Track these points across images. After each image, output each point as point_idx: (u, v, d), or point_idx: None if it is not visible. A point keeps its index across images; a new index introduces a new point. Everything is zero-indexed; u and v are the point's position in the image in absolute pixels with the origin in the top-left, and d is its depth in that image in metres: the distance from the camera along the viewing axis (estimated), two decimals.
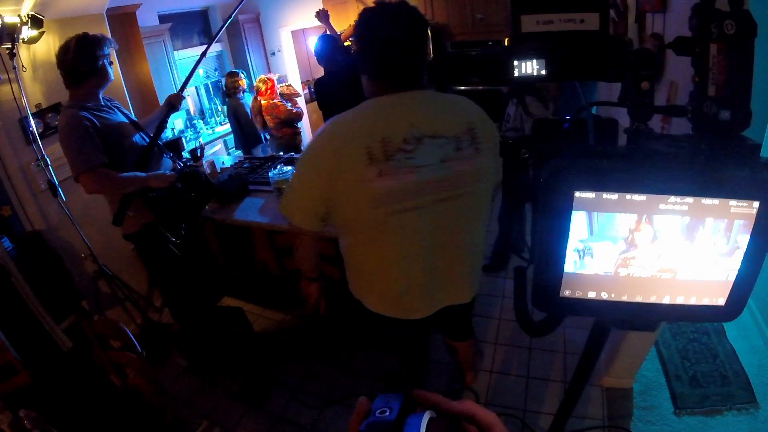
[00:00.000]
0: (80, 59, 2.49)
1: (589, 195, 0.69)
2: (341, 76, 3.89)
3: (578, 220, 0.74)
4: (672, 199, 0.70)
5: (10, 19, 2.92)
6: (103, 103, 2.64)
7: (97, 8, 3.73)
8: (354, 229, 1.72)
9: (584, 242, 0.75)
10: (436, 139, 1.55)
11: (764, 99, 2.81)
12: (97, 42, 2.53)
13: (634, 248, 0.75)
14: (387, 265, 1.76)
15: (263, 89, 4.85)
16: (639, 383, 2.82)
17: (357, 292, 1.97)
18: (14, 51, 2.98)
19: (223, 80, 6.50)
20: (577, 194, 0.69)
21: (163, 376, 3.29)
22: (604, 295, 0.80)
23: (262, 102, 4.86)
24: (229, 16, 3.37)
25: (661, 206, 0.70)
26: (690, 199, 0.70)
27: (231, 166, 3.86)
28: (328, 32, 4.33)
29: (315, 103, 4.53)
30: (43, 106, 3.36)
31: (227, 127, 6.17)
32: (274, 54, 6.98)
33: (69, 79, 2.54)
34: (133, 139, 2.73)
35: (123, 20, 4.54)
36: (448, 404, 0.50)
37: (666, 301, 0.80)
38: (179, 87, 3.13)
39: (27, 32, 3.05)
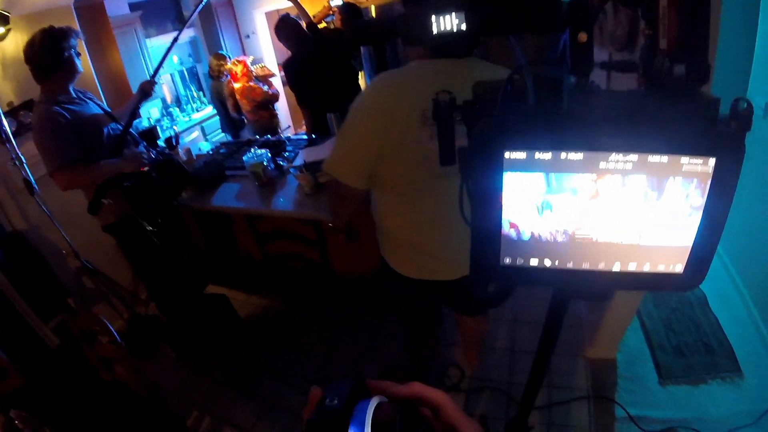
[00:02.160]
0: (46, 53, 2.48)
1: (521, 155, 0.67)
2: (305, 56, 3.90)
3: (536, 179, 0.71)
4: (613, 156, 0.66)
5: None
6: (75, 96, 2.64)
7: (64, 1, 3.67)
8: (397, 187, 1.74)
9: (543, 195, 0.72)
10: None
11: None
12: (63, 34, 2.51)
13: (591, 207, 0.72)
14: (421, 225, 1.79)
15: (236, 72, 4.80)
16: (623, 354, 2.83)
17: (387, 253, 2.01)
18: None
19: (196, 66, 6.44)
20: (507, 155, 0.67)
21: (152, 369, 3.31)
22: (548, 263, 0.77)
23: (236, 86, 4.82)
24: (200, 2, 3.34)
25: (602, 165, 0.66)
26: (634, 156, 0.66)
27: (207, 152, 3.82)
28: (293, 14, 4.26)
29: None
30: (15, 104, 3.31)
31: (204, 114, 6.10)
32: (248, 37, 6.88)
33: (38, 74, 2.53)
34: (109, 129, 2.71)
35: (91, 11, 4.45)
36: (396, 389, 0.51)
37: (617, 268, 0.76)
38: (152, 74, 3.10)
39: None
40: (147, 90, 2.99)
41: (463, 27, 0.67)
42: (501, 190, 0.69)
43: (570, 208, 0.72)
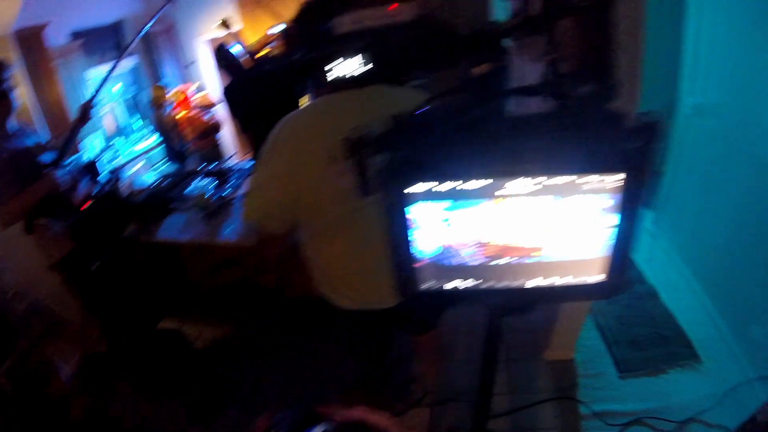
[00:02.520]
0: None
1: (426, 186, 0.67)
2: (242, 83, 3.90)
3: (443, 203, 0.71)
4: (520, 180, 0.67)
5: None
6: (12, 130, 2.54)
7: (0, 30, 3.58)
8: (316, 224, 1.72)
9: (446, 211, 0.72)
10: None
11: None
12: None
13: (496, 223, 0.72)
14: (353, 257, 1.77)
15: (177, 102, 4.73)
16: (581, 353, 2.88)
17: (324, 289, 1.96)
18: None
19: (139, 94, 6.30)
20: (411, 189, 0.67)
21: (111, 406, 3.17)
22: (468, 283, 0.78)
23: (178, 116, 4.74)
24: (141, 31, 3.30)
25: (510, 189, 0.68)
26: (540, 179, 0.67)
27: (152, 183, 3.75)
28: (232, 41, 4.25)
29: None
30: None
31: (149, 144, 5.93)
32: (190, 65, 6.77)
33: None
34: (47, 160, 2.62)
35: (30, 40, 4.30)
36: (341, 414, 0.52)
37: (539, 283, 0.78)
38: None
39: None
40: (86, 113, 2.90)
41: (367, 68, 0.68)
42: (409, 221, 0.69)
43: (474, 221, 0.73)
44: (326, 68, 0.62)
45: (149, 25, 3.52)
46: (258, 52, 4.33)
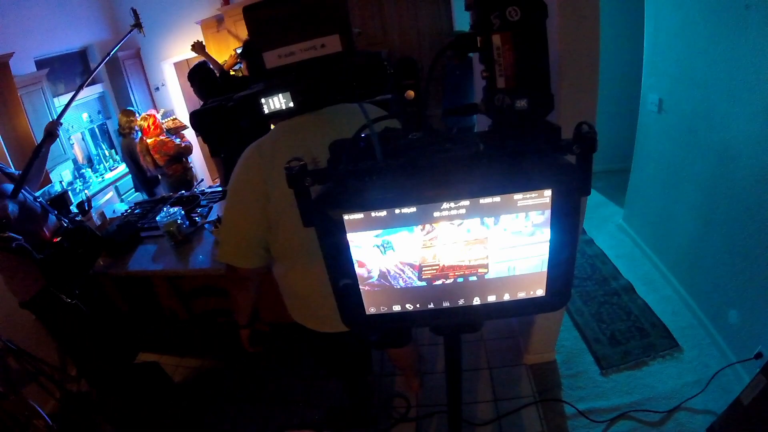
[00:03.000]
0: None
1: (358, 216, 0.67)
2: (216, 104, 3.83)
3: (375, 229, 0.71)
4: (445, 205, 0.67)
5: None
6: None
7: None
8: (292, 252, 1.68)
9: (380, 236, 0.72)
10: None
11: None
12: None
13: (433, 245, 0.73)
14: (325, 282, 1.72)
15: (146, 127, 4.65)
16: (561, 354, 2.89)
17: (300, 316, 1.93)
18: None
19: (106, 122, 6.23)
20: (345, 217, 0.67)
21: None
22: (409, 306, 0.78)
23: (148, 141, 4.67)
24: (107, 55, 3.28)
25: (436, 214, 0.68)
26: (466, 202, 0.67)
27: (122, 213, 3.68)
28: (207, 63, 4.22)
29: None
30: None
31: (118, 172, 5.86)
32: (158, 89, 6.72)
33: None
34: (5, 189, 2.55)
35: None
36: None
37: (479, 301, 0.78)
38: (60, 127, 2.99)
39: None
40: (52, 131, 2.84)
41: (291, 105, 0.68)
42: (348, 248, 0.69)
43: (410, 245, 0.73)
44: (262, 101, 0.63)
45: (115, 49, 3.48)
46: (229, 71, 4.30)
